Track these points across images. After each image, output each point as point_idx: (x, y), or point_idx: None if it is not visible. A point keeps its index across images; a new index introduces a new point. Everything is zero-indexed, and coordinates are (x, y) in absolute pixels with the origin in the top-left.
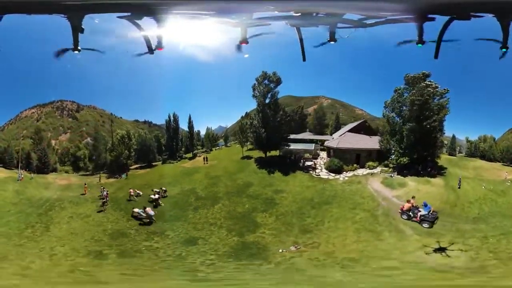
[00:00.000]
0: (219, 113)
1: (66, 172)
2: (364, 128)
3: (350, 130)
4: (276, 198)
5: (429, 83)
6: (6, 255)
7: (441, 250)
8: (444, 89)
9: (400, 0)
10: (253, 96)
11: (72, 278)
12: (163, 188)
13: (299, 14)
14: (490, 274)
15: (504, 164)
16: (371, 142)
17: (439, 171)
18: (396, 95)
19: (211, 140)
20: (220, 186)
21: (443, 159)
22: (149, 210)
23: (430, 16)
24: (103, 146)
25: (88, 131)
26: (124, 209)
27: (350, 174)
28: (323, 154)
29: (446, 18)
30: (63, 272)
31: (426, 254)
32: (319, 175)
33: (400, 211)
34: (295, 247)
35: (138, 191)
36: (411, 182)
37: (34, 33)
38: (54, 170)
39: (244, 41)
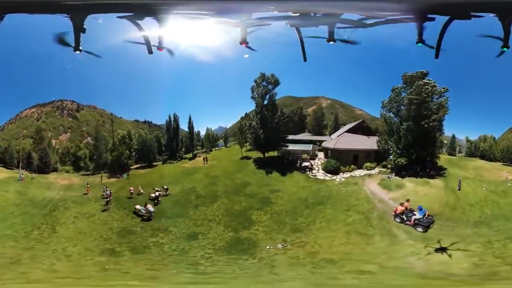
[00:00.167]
0: (219, 113)
1: (67, 172)
2: (362, 129)
3: (348, 131)
4: (272, 197)
5: (427, 81)
6: (19, 259)
7: (436, 255)
8: (443, 88)
9: (400, 0)
10: (252, 97)
11: (105, 276)
12: (165, 187)
13: (299, 14)
14: (507, 280)
15: (505, 164)
16: (369, 143)
17: (438, 171)
18: (394, 94)
19: (211, 141)
20: (219, 185)
21: (443, 159)
22: (150, 207)
23: (430, 16)
24: (104, 146)
25: (88, 131)
26: (127, 208)
27: (347, 175)
28: (321, 155)
29: (446, 18)
30: (90, 272)
31: (417, 260)
32: (316, 175)
33: (393, 214)
34: (282, 245)
35: (140, 190)
36: (409, 183)
37: (34, 32)
38: (55, 170)
39: (244, 42)
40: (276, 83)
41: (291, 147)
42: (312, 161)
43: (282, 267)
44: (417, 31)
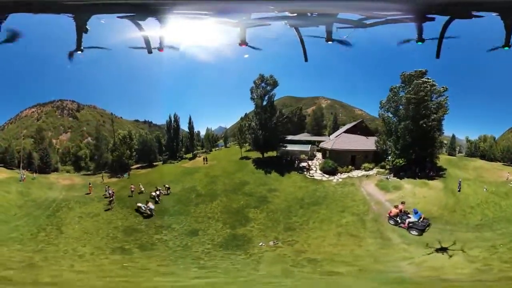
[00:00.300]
0: (219, 113)
1: (68, 172)
2: (361, 129)
3: (347, 131)
4: (269, 197)
5: (426, 80)
6: (31, 262)
7: (430, 260)
8: (443, 87)
9: (400, 0)
10: (251, 98)
11: (128, 274)
12: (166, 186)
13: (299, 14)
14: None
15: (505, 164)
16: (368, 143)
17: (438, 172)
18: (392, 93)
19: (211, 141)
20: (218, 184)
21: (443, 159)
22: (151, 205)
23: (429, 16)
24: (105, 146)
25: (88, 130)
26: (130, 207)
27: (344, 175)
28: (320, 155)
29: (446, 17)
30: (112, 270)
31: (408, 264)
32: (313, 176)
33: (388, 216)
34: (274, 242)
35: (141, 188)
36: (407, 184)
37: (33, 32)
38: (56, 170)
39: (244, 43)
40: (275, 84)
41: (290, 147)
42: (310, 162)
43: (265, 263)
44: (417, 31)
